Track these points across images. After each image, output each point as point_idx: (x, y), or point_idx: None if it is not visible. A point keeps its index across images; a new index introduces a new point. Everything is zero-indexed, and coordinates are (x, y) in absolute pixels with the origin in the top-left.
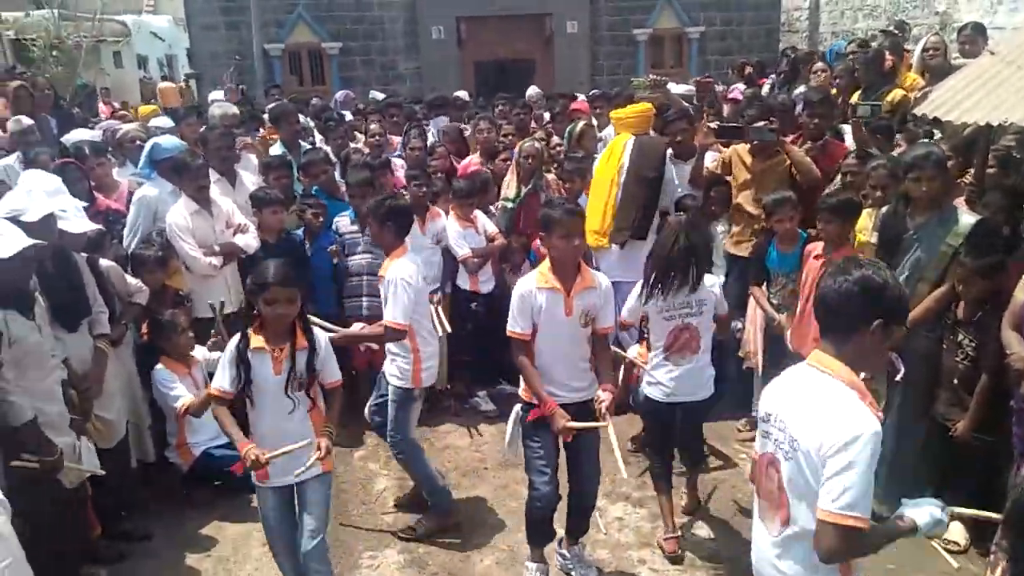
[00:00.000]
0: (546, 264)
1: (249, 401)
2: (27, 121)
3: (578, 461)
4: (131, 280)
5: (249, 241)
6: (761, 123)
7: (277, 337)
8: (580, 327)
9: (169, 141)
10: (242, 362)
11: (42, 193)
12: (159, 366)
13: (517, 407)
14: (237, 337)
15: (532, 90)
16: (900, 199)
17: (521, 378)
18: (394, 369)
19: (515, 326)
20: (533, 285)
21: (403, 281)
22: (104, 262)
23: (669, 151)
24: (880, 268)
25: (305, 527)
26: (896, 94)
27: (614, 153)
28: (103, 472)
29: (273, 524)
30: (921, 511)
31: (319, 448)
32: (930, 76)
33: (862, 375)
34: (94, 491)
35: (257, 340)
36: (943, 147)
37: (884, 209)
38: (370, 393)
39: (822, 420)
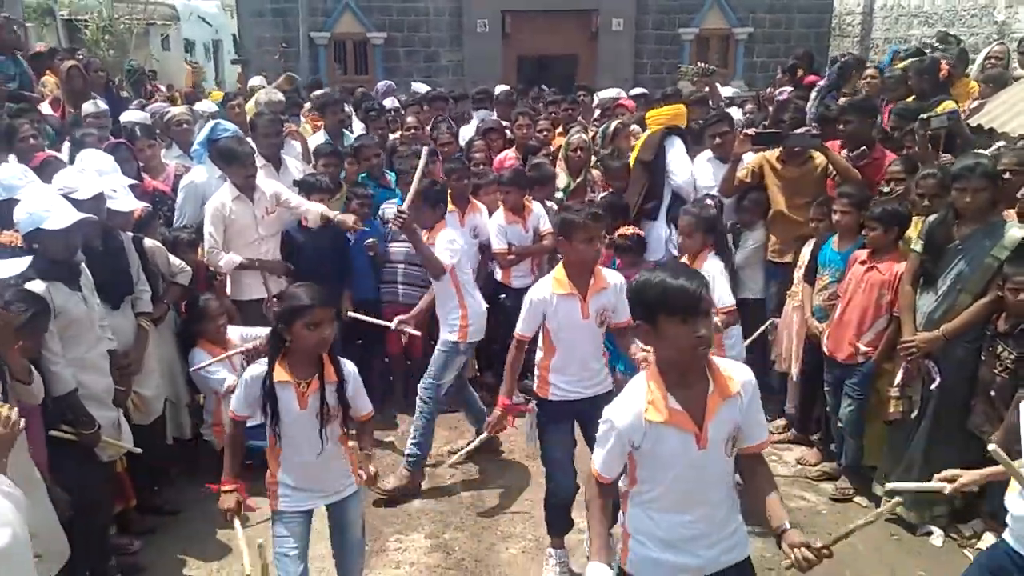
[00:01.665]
0: (560, 269)
1: (276, 436)
2: (103, 105)
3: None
4: (174, 260)
5: (312, 207)
6: (803, 129)
7: (304, 368)
8: (596, 327)
9: (229, 124)
10: (269, 396)
11: (94, 172)
12: (196, 348)
13: (532, 403)
14: (260, 367)
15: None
16: (949, 209)
17: (536, 375)
18: (449, 321)
19: (522, 329)
20: (548, 291)
21: (447, 239)
22: (149, 242)
23: (707, 154)
24: (655, 272)
25: (353, 546)
26: (947, 105)
27: (637, 148)
28: (139, 450)
29: (296, 552)
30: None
31: (363, 473)
32: (988, 85)
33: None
34: (129, 465)
35: (280, 372)
36: (1011, 158)
37: (932, 218)
38: (402, 379)
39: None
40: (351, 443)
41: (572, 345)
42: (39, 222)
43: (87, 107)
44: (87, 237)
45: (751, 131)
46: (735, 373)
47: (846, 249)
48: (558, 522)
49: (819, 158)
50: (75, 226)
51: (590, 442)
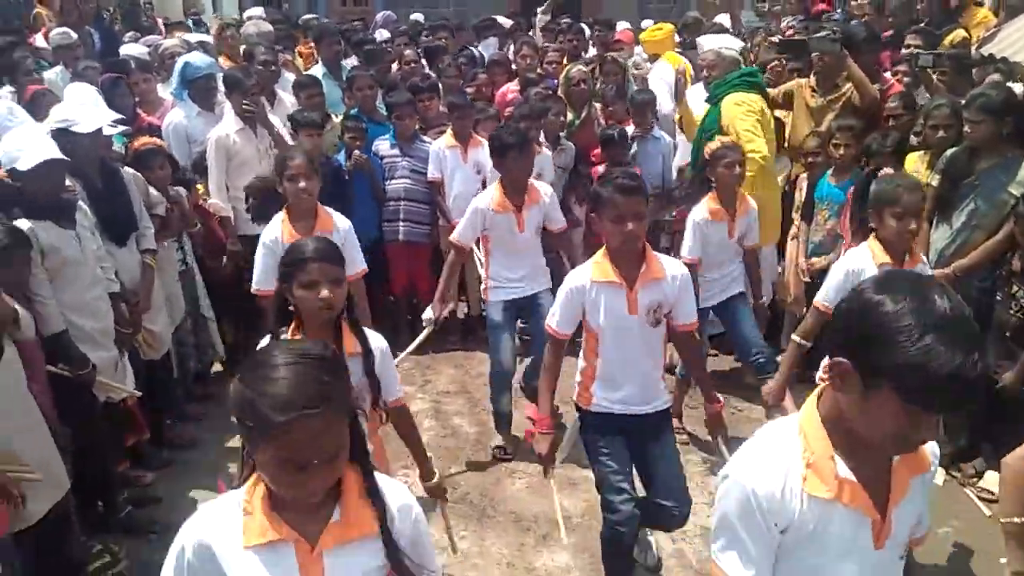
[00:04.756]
0: (602, 251)
1: None
2: (72, 35)
3: (655, 471)
4: (153, 192)
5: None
6: (823, 33)
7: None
8: (649, 327)
9: (201, 59)
10: None
11: (92, 106)
12: None
13: (576, 416)
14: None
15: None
16: (969, 142)
17: (578, 381)
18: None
19: (554, 322)
20: (587, 278)
21: None
22: (128, 170)
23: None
24: (940, 322)
25: None
26: (957, 34)
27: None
28: (139, 393)
29: None
30: None
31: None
32: (1005, 13)
33: None
34: (142, 399)
35: None
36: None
37: (951, 151)
38: (406, 318)
39: None
40: (379, 434)
41: (620, 348)
42: (13, 162)
43: (55, 37)
44: (86, 175)
45: (775, 38)
46: None
47: (843, 182)
48: (617, 567)
49: (847, 91)
50: (44, 166)
51: (648, 463)
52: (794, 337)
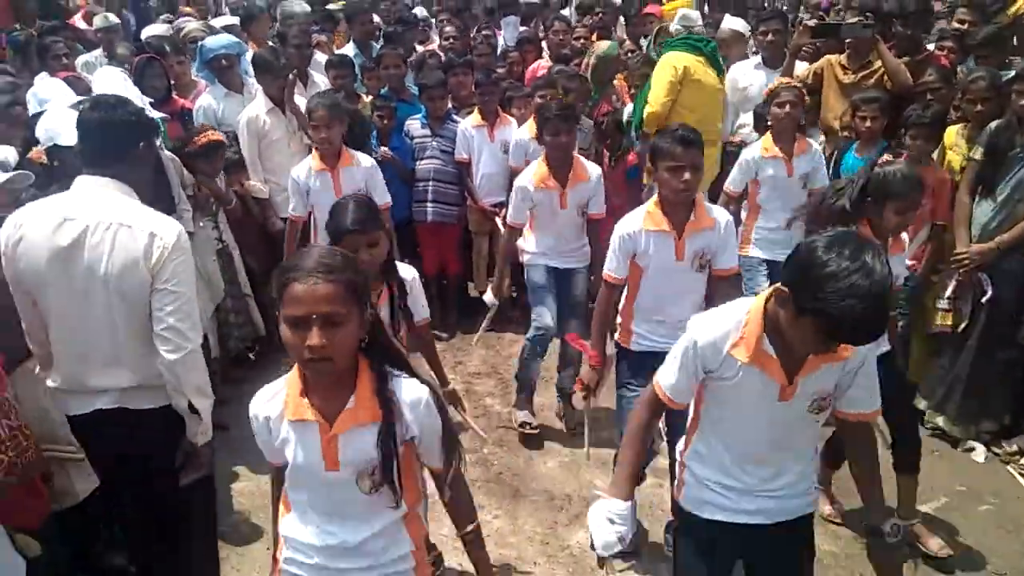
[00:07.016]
0: (653, 200)
1: None
2: (114, 19)
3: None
4: (186, 174)
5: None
6: (855, 20)
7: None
8: (693, 272)
9: (215, 40)
10: None
11: (120, 89)
12: None
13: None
14: None
15: None
16: (1013, 114)
17: (619, 322)
18: None
19: (611, 269)
20: (639, 226)
21: None
22: (166, 153)
23: (758, 57)
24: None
25: None
26: (1021, 6)
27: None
28: None
29: None
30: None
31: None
32: None
33: None
34: None
35: None
36: None
37: (996, 124)
38: (435, 298)
39: None
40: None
41: (663, 293)
42: (55, 138)
43: (98, 20)
44: None
45: (811, 22)
46: None
47: (868, 155)
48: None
49: (879, 67)
50: None
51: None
52: None
